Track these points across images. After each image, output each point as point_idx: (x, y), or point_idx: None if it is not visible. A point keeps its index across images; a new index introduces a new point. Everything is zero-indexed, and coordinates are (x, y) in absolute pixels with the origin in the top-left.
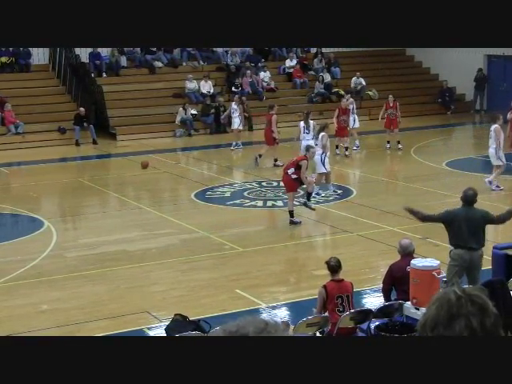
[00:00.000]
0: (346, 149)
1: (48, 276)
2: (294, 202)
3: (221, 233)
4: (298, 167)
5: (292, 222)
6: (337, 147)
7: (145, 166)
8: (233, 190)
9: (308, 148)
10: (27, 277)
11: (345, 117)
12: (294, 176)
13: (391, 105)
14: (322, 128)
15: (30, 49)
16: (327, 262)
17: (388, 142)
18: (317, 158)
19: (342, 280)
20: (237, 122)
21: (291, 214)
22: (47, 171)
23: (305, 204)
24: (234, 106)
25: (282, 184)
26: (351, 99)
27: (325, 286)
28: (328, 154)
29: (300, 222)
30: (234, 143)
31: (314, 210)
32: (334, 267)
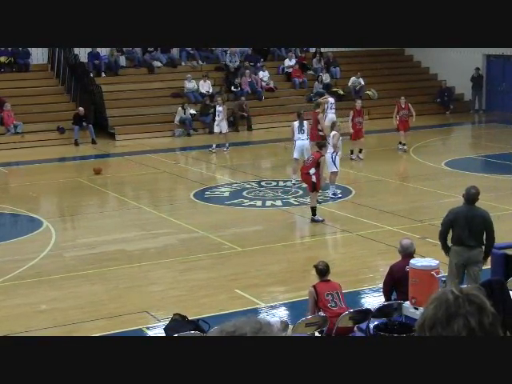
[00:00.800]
0: (360, 151)
1: (46, 276)
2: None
3: (220, 232)
4: (317, 166)
5: (313, 220)
6: (351, 152)
7: (97, 171)
8: (232, 189)
9: (324, 144)
10: (26, 277)
11: (360, 118)
12: (313, 178)
13: (403, 106)
14: (332, 126)
15: (29, 49)
16: (315, 266)
17: (400, 143)
18: (327, 156)
19: (329, 280)
20: (224, 125)
21: (313, 211)
22: (46, 171)
23: (312, 220)
24: (218, 108)
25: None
26: (330, 98)
27: (314, 286)
28: (339, 153)
29: (323, 221)
30: (227, 144)
31: (323, 220)
32: (323, 271)
